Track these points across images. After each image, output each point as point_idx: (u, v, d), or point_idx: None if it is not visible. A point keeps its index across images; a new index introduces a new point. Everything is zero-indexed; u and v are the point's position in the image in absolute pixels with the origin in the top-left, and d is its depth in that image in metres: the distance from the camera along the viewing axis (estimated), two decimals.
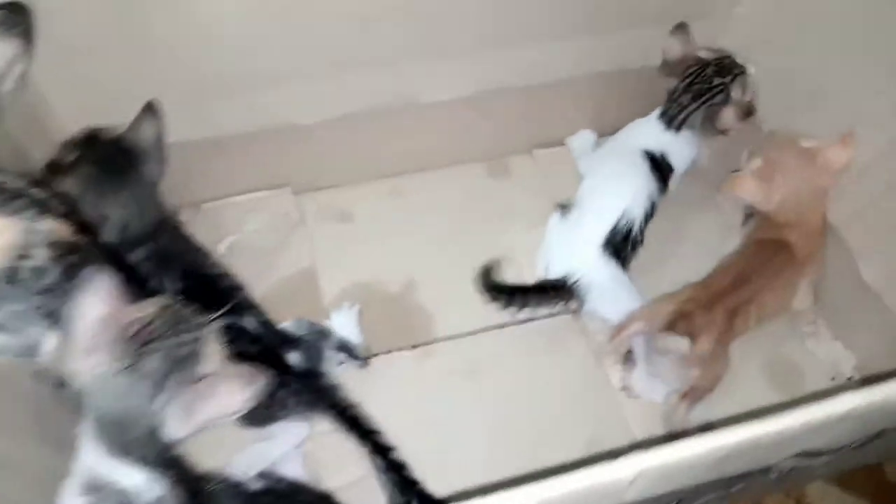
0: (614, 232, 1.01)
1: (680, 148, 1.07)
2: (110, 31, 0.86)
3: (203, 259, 0.89)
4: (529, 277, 1.09)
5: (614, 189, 1.04)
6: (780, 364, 1.05)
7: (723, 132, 1.04)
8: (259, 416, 0.83)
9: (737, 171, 1.03)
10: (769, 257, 0.99)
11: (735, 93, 1.02)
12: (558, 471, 0.51)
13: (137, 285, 0.68)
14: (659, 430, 0.97)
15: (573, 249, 1.03)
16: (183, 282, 0.84)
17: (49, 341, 0.60)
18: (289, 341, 0.89)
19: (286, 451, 0.90)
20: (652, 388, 0.98)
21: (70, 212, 0.63)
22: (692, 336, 0.90)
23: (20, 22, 0.63)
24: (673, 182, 1.09)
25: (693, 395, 0.93)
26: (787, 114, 1.06)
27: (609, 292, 1.00)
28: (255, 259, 1.04)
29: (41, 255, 0.58)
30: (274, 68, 0.96)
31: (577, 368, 1.03)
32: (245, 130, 1.03)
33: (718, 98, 1.02)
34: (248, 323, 0.86)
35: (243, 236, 1.07)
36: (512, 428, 0.97)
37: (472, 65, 1.05)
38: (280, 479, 0.83)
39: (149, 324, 0.61)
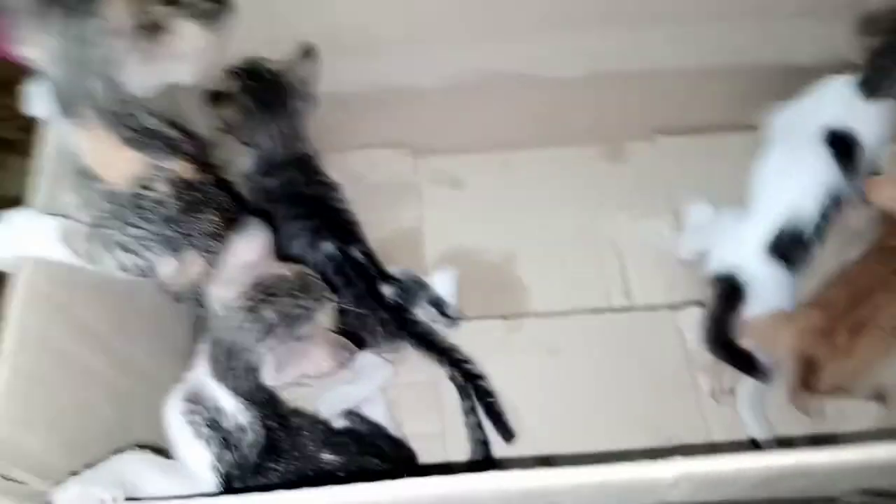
0: (780, 235, 0.93)
1: (875, 122, 0.93)
2: None
3: (326, 191, 0.98)
4: (633, 268, 1.09)
5: (780, 186, 0.95)
6: None
7: None
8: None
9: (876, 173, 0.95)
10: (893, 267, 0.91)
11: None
12: (609, 458, 0.53)
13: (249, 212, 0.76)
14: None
15: (736, 248, 0.96)
16: (304, 207, 0.94)
17: (165, 266, 0.68)
18: (387, 277, 0.96)
19: (371, 393, 0.96)
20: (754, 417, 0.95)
21: (199, 153, 0.70)
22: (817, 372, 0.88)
23: (223, 17, 0.69)
24: (865, 165, 0.95)
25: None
26: None
27: (770, 297, 0.94)
28: (368, 211, 1.09)
29: (162, 189, 0.66)
30: (399, 31, 1.00)
31: (665, 366, 1.02)
32: (370, 88, 1.08)
33: None
34: (354, 252, 0.94)
35: (360, 188, 1.14)
36: (584, 413, 0.98)
37: (596, 42, 1.03)
38: (362, 420, 0.90)
39: (280, 281, 0.70)
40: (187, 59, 0.66)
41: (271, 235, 0.71)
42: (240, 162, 0.96)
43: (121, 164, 0.65)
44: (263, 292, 0.69)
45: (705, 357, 1.00)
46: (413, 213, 1.14)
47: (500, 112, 1.14)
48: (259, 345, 0.68)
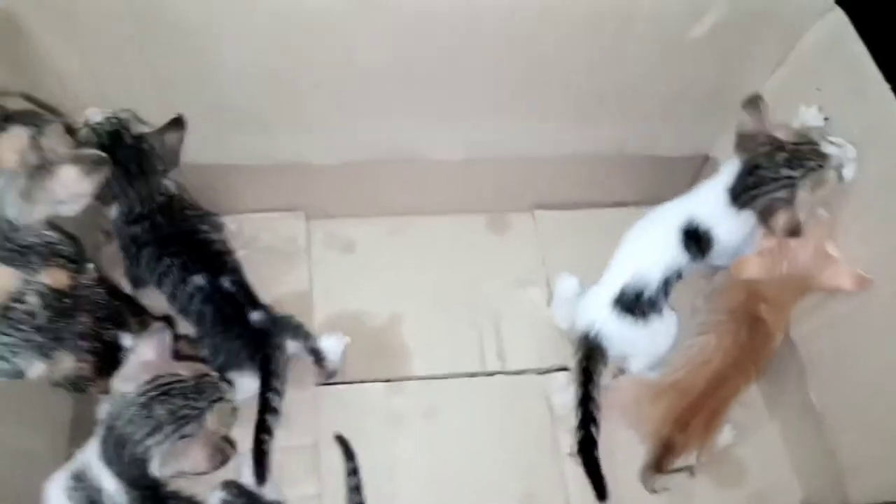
0: (623, 291, 1.03)
1: (735, 227, 1.01)
2: (143, 69, 0.97)
3: (194, 227, 1.02)
4: (508, 332, 1.18)
5: (631, 252, 1.07)
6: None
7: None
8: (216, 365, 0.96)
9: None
10: (749, 343, 1.00)
11: (803, 194, 0.91)
12: None
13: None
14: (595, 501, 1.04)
15: (590, 305, 1.06)
16: (172, 246, 0.98)
17: (34, 369, 0.72)
18: (258, 304, 1.00)
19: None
20: None
21: (78, 253, 0.74)
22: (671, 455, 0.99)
23: (104, 167, 0.75)
24: (717, 257, 1.05)
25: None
26: None
27: (626, 346, 1.06)
28: (259, 273, 1.12)
29: (32, 301, 0.70)
30: (292, 112, 1.06)
31: (530, 428, 1.10)
32: (264, 162, 1.14)
33: (781, 193, 0.92)
34: (224, 282, 0.98)
35: (252, 252, 1.18)
36: (456, 472, 1.05)
37: (475, 131, 1.13)
38: (240, 493, 0.93)
39: (176, 381, 0.76)
40: (66, 200, 0.69)
41: (171, 337, 0.79)
42: (106, 212, 0.99)
43: None
44: (158, 390, 0.75)
45: (568, 419, 1.10)
46: (303, 277, 1.19)
47: (390, 185, 1.22)
48: (147, 439, 0.75)
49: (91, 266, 0.79)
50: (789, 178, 0.92)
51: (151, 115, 0.99)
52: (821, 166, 0.91)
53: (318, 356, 1.05)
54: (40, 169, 0.67)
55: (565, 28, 1.00)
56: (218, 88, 1.01)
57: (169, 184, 1.00)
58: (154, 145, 0.96)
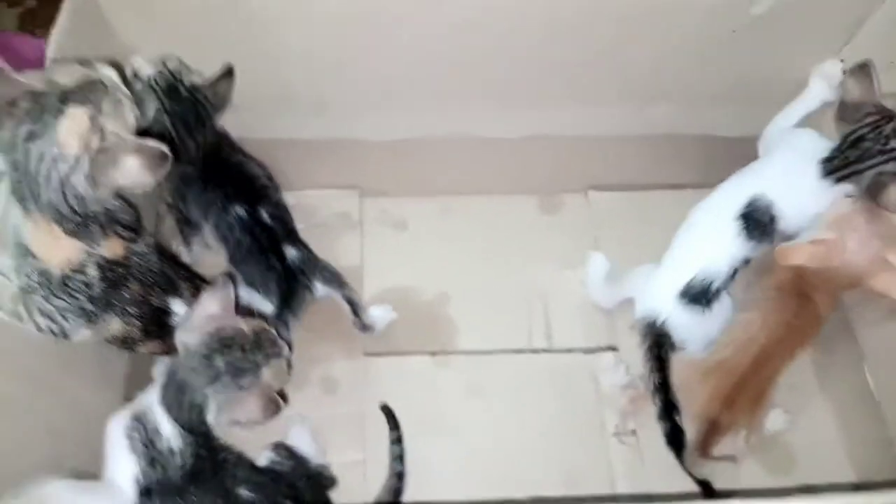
0: (691, 284, 1.01)
1: (814, 202, 0.96)
2: (210, 49, 1.00)
3: (239, 162, 1.05)
4: (555, 313, 1.18)
5: (699, 241, 1.03)
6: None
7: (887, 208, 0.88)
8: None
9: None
10: (795, 322, 0.97)
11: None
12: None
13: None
14: (640, 482, 1.03)
15: (654, 293, 1.05)
16: (216, 179, 1.02)
17: (78, 335, 0.78)
18: (296, 240, 1.05)
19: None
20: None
21: (135, 221, 0.79)
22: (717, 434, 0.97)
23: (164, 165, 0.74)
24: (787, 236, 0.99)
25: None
26: None
27: (688, 333, 1.03)
28: (313, 248, 1.18)
29: (91, 273, 0.75)
30: (351, 91, 1.09)
31: (577, 406, 1.10)
32: (323, 138, 1.17)
33: (891, 166, 0.87)
34: (262, 214, 1.03)
35: (308, 226, 1.21)
36: (498, 447, 1.06)
37: (529, 111, 1.14)
38: (290, 455, 0.96)
39: (237, 335, 0.80)
40: (129, 187, 0.73)
41: (235, 293, 0.84)
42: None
43: (58, 251, 0.73)
44: (220, 343, 0.80)
45: (615, 398, 1.10)
46: (355, 251, 1.22)
47: (443, 163, 1.23)
48: (206, 388, 0.79)
49: (147, 235, 0.83)
50: None
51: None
52: None
53: (354, 307, 1.07)
54: (103, 154, 0.69)
55: (623, 11, 0.99)
56: (283, 70, 1.05)
57: (217, 123, 1.03)
58: (207, 95, 0.98)
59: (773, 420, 1.05)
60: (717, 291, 1.01)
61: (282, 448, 0.97)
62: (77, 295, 0.75)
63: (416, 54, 1.03)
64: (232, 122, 1.08)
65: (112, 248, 0.76)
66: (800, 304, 0.97)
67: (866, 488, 0.61)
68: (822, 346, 1.08)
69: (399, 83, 1.08)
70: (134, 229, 0.79)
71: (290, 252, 1.04)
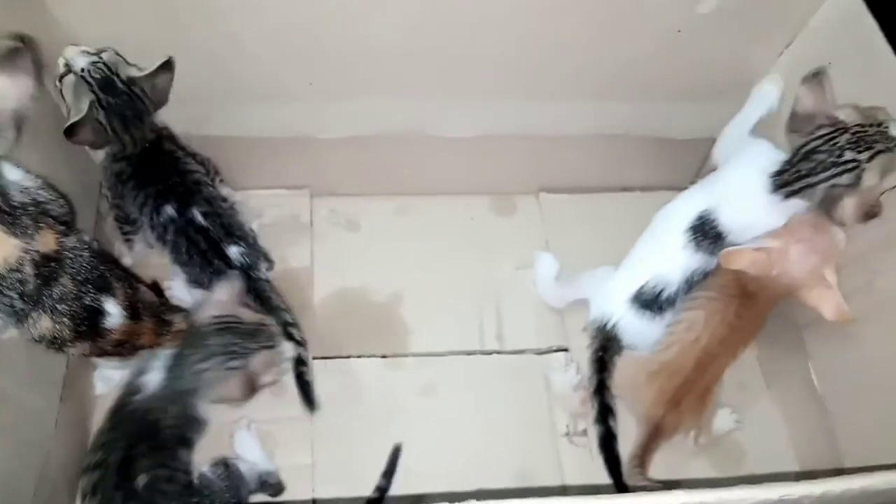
0: (643, 290, 1.02)
1: (766, 217, 0.94)
2: (156, 37, 0.98)
3: (174, 161, 1.02)
4: (507, 314, 1.18)
5: (651, 254, 1.04)
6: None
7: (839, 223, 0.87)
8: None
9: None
10: (736, 322, 0.97)
11: (870, 178, 0.83)
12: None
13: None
14: (591, 481, 1.03)
15: (607, 296, 1.06)
16: (149, 178, 1.00)
17: (6, 332, 0.74)
18: (233, 238, 1.03)
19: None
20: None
21: (67, 212, 0.75)
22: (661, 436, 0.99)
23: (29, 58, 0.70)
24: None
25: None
26: None
27: (638, 338, 1.04)
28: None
29: (27, 271, 0.71)
30: (302, 85, 1.07)
31: (528, 407, 1.10)
32: (273, 135, 1.14)
33: (844, 178, 0.85)
34: (195, 215, 1.00)
35: (257, 227, 1.19)
36: (451, 448, 1.05)
37: (484, 109, 1.13)
38: (228, 474, 0.94)
39: (235, 322, 0.93)
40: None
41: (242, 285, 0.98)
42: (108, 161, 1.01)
43: None
44: (219, 325, 0.92)
45: (566, 400, 1.10)
46: (305, 253, 1.20)
47: (396, 162, 1.21)
48: (200, 363, 0.90)
49: (80, 230, 0.80)
50: (853, 162, 0.84)
51: None
52: (890, 149, 0.83)
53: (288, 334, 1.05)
54: None
55: (574, 9, 0.99)
56: (232, 61, 1.02)
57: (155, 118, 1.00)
58: (145, 89, 0.95)
59: (722, 420, 1.06)
60: (669, 300, 1.02)
61: (222, 465, 0.94)
62: (9, 293, 0.71)
63: (370, 48, 1.02)
64: (178, 117, 1.05)
65: (45, 241, 0.73)
66: (742, 304, 0.98)
67: (809, 477, 0.62)
68: (769, 344, 1.11)
69: (351, 78, 1.06)
70: (66, 222, 0.76)
71: (232, 250, 1.01)
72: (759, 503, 0.61)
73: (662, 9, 1.00)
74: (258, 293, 1.03)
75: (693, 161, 1.26)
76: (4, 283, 0.70)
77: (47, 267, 0.73)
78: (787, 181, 0.90)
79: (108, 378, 1.03)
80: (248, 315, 0.98)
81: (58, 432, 0.91)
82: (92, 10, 0.94)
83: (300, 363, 1.02)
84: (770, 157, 0.94)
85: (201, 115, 1.09)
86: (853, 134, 0.84)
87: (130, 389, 0.90)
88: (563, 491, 1.03)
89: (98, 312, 0.80)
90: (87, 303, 0.78)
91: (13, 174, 0.73)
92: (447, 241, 1.24)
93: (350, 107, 1.12)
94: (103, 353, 0.86)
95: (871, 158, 0.83)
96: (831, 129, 0.86)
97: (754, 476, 1.05)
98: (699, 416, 1.01)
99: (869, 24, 0.93)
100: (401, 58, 1.04)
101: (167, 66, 0.94)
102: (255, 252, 1.05)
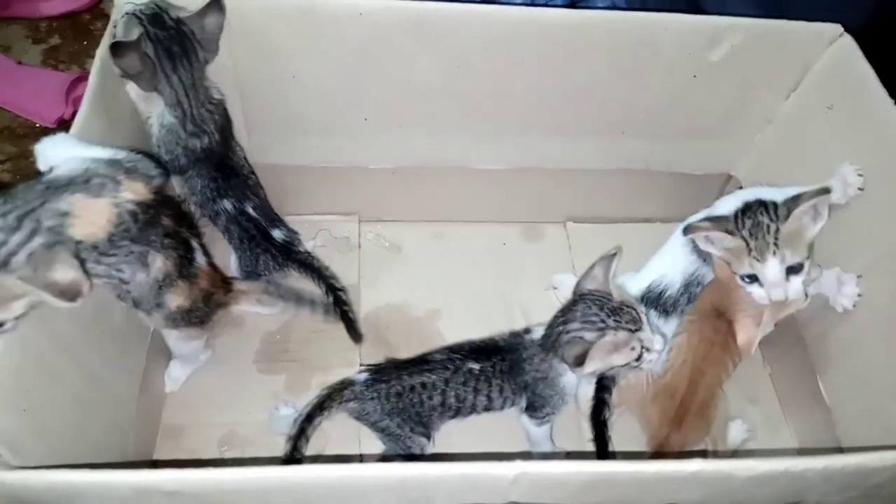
0: (649, 288, 1.12)
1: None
2: (225, 76, 1.11)
3: (234, 157, 1.15)
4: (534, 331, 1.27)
5: (659, 259, 1.15)
6: None
7: None
8: (252, 275, 1.19)
9: None
10: (714, 336, 1.07)
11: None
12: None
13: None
14: None
15: None
16: (213, 168, 1.11)
17: (138, 278, 0.87)
18: (278, 223, 1.20)
19: None
20: None
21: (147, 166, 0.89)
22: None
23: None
24: None
25: None
26: None
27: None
28: None
29: (126, 220, 0.83)
30: (357, 120, 1.20)
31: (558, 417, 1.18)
32: (327, 165, 1.28)
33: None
34: (248, 208, 1.16)
35: (311, 248, 1.31)
36: (481, 449, 1.12)
37: (515, 144, 1.26)
38: None
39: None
40: None
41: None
42: (161, 119, 1.04)
43: (97, 219, 0.81)
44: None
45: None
46: (353, 271, 1.31)
47: (435, 191, 1.34)
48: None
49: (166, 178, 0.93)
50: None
51: (233, 116, 1.15)
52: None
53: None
54: None
55: (597, 56, 1.12)
56: (293, 97, 1.16)
57: (213, 90, 1.07)
58: (194, 30, 0.97)
59: (735, 431, 1.14)
60: (673, 302, 1.12)
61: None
62: (120, 244, 0.83)
63: (414, 89, 1.15)
64: (244, 145, 1.19)
65: (135, 189, 0.85)
66: (717, 321, 1.07)
67: None
68: (780, 360, 1.19)
69: (399, 115, 1.20)
70: (155, 175, 0.89)
71: (275, 233, 1.18)
72: (764, 473, 0.70)
73: (678, 56, 1.13)
74: (301, 261, 1.19)
75: (708, 194, 1.35)
76: (115, 237, 0.82)
77: (146, 213, 0.85)
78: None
79: (176, 378, 1.15)
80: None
81: (136, 420, 1.02)
82: None
83: (343, 303, 1.17)
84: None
85: (264, 144, 1.23)
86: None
87: None
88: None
89: (191, 249, 0.94)
90: (183, 237, 0.92)
91: (103, 152, 0.86)
92: (481, 263, 1.35)
93: (396, 141, 1.25)
94: (191, 314, 0.98)
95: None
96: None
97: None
98: (704, 432, 1.08)
99: (865, 70, 1.05)
100: (441, 97, 1.18)
101: (217, 4, 0.97)
102: (292, 232, 1.22)
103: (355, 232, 1.37)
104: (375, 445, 1.11)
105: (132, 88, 1.03)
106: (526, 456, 0.70)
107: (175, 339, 1.07)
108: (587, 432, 1.16)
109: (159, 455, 1.10)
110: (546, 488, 0.72)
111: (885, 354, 0.99)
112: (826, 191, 0.97)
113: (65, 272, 0.73)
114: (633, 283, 1.15)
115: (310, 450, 1.09)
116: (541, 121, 1.22)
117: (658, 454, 1.07)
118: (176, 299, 0.94)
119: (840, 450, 1.04)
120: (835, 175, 1.05)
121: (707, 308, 1.08)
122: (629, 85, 1.17)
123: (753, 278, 0.99)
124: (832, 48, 1.10)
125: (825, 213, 0.98)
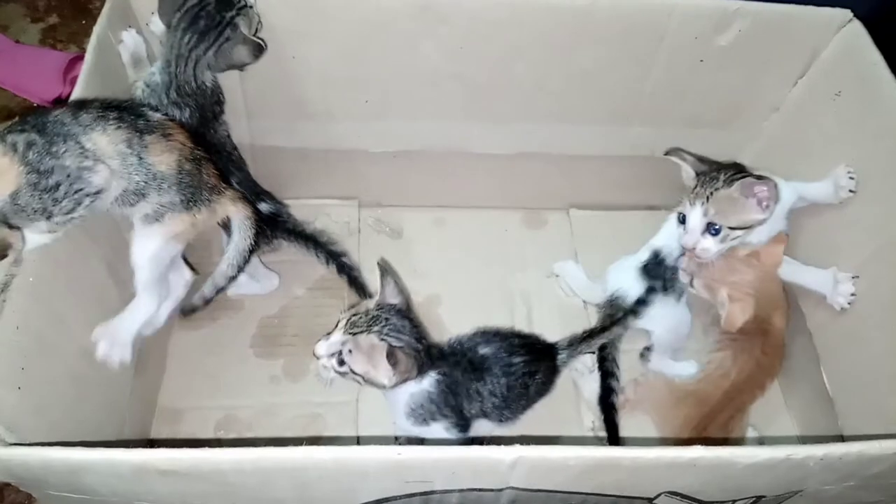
0: (648, 260, 1.17)
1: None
2: None
3: (218, 135, 1.12)
4: (537, 318, 1.27)
5: (658, 235, 1.19)
6: None
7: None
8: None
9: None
10: (763, 358, 1.09)
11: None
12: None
13: None
14: None
15: (620, 270, 1.19)
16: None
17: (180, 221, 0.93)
18: (263, 196, 1.18)
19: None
20: None
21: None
22: None
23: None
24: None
25: None
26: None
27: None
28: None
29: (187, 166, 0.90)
30: (358, 104, 1.19)
31: (557, 403, 1.17)
32: (327, 148, 1.27)
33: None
34: (232, 181, 1.11)
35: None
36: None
37: (517, 130, 1.24)
38: None
39: None
40: None
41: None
42: (149, 78, 1.04)
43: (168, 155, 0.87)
44: None
45: (591, 402, 1.17)
46: (352, 256, 1.29)
47: (436, 177, 1.33)
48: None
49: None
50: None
51: (233, 98, 1.13)
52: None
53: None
54: None
55: (602, 40, 1.11)
56: (293, 80, 1.15)
57: (207, 78, 1.05)
58: (229, 37, 1.00)
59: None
60: (670, 275, 1.14)
61: None
62: (186, 181, 0.90)
63: (417, 73, 1.14)
64: (245, 128, 1.18)
65: (185, 139, 0.92)
66: (764, 341, 1.09)
67: None
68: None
69: (401, 99, 1.19)
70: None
71: (262, 206, 1.16)
72: (765, 460, 0.69)
73: (685, 40, 1.11)
74: (291, 230, 1.20)
75: None
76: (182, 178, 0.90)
77: (194, 155, 0.92)
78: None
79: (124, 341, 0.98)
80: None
81: (131, 401, 1.02)
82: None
83: (349, 269, 1.21)
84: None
85: (264, 126, 1.21)
86: None
87: None
88: None
89: (126, 108, 0.90)
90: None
91: None
92: (482, 249, 1.35)
93: (397, 125, 1.24)
94: (182, 178, 0.92)
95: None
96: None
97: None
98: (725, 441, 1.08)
99: (874, 57, 1.03)
100: (443, 82, 1.16)
101: (256, 47, 1.01)
102: (279, 204, 1.22)
103: (355, 217, 1.36)
104: (372, 429, 1.11)
105: (131, 36, 1.03)
106: (525, 441, 0.67)
107: (155, 249, 0.93)
108: (588, 420, 1.16)
109: (156, 437, 1.09)
110: (544, 473, 0.72)
111: (888, 345, 0.98)
112: (774, 186, 1.04)
113: None
114: (630, 261, 1.17)
115: (307, 432, 1.10)
116: (544, 106, 1.21)
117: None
118: (160, 158, 0.88)
119: (841, 439, 1.04)
120: (829, 176, 1.07)
121: (749, 326, 1.07)
122: (634, 70, 1.16)
123: (683, 220, 1.08)
124: (840, 34, 1.09)
125: (772, 207, 1.04)
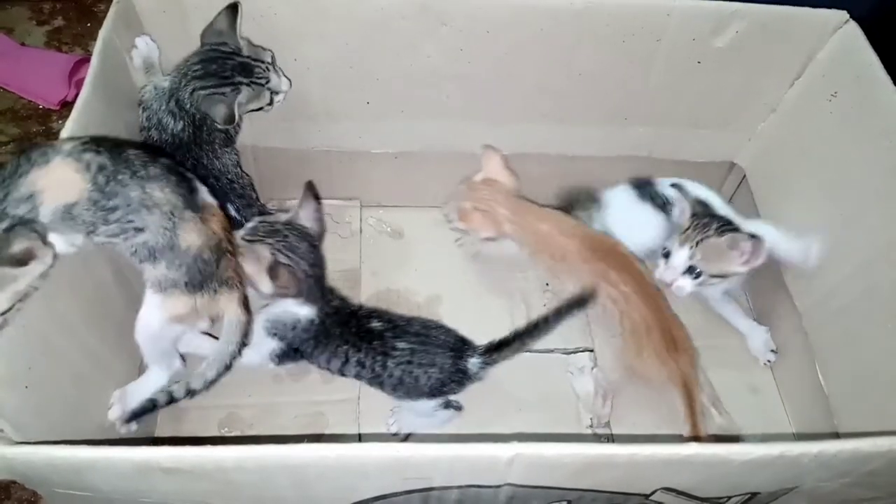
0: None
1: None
2: None
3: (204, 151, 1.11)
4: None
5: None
6: None
7: None
8: None
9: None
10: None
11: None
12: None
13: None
14: None
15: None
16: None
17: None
18: (229, 198, 1.13)
19: None
20: None
21: None
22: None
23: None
24: None
25: None
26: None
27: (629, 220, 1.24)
28: None
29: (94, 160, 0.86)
30: (357, 106, 1.20)
31: (555, 401, 1.19)
32: (328, 148, 1.28)
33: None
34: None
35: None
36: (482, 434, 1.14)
37: (519, 130, 1.25)
38: None
39: None
40: None
41: None
42: (158, 82, 1.06)
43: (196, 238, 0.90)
44: None
45: (589, 396, 1.19)
46: (353, 256, 1.32)
47: (436, 177, 1.33)
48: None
49: None
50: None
51: None
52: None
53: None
54: None
55: (600, 41, 1.12)
56: (295, 80, 1.15)
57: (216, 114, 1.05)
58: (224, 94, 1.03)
59: (758, 342, 1.22)
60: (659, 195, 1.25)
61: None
62: (110, 188, 0.86)
63: (420, 74, 1.15)
64: (247, 130, 1.19)
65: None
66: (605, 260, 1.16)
67: None
68: (781, 352, 1.20)
69: (402, 100, 1.20)
70: None
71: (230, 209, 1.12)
72: (760, 457, 0.70)
73: (683, 42, 1.12)
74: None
75: (711, 182, 1.35)
76: (97, 187, 0.85)
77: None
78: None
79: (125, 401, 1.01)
80: None
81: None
82: (165, 30, 1.09)
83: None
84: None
85: (265, 127, 1.23)
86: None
87: None
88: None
89: (187, 179, 0.93)
90: (167, 165, 0.92)
91: None
92: (481, 249, 1.35)
93: (398, 125, 1.25)
94: (197, 264, 0.92)
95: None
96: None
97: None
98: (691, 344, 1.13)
99: (870, 58, 1.04)
100: (443, 82, 1.17)
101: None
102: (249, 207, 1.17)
103: (356, 217, 1.37)
104: (373, 427, 1.12)
105: (145, 42, 1.07)
106: (522, 438, 0.68)
107: (156, 328, 0.94)
108: (586, 419, 1.17)
109: (160, 436, 1.11)
110: (542, 470, 0.73)
111: (885, 344, 0.99)
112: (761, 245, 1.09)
113: (20, 244, 0.77)
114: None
115: (309, 430, 1.11)
116: (544, 106, 1.22)
117: (686, 394, 1.08)
118: (187, 237, 0.90)
119: (837, 437, 1.05)
120: (802, 241, 1.12)
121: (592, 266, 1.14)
122: (633, 71, 1.17)
123: (667, 255, 1.14)
124: (837, 35, 1.10)
125: (753, 264, 1.10)
